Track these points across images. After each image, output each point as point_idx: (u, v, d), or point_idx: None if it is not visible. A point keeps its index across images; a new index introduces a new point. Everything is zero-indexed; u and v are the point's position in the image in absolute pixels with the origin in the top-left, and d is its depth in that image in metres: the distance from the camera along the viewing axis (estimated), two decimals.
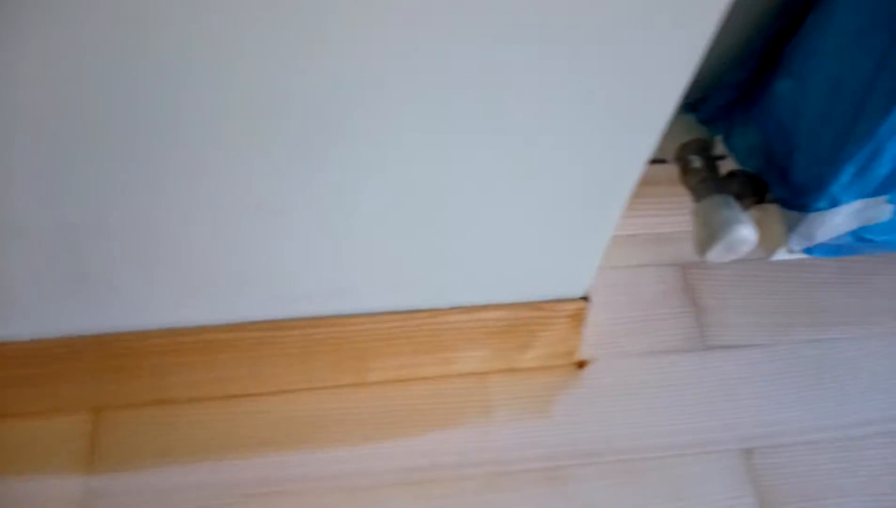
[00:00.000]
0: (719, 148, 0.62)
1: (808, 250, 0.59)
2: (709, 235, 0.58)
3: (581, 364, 0.71)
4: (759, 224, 0.61)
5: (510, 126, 0.45)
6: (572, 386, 0.70)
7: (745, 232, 0.57)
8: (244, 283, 0.53)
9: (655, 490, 0.65)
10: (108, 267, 0.50)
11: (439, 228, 0.53)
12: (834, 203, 0.54)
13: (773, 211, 0.59)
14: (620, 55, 0.41)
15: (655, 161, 0.66)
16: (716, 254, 0.58)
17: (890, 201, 0.55)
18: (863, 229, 0.57)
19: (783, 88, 0.55)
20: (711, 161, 0.61)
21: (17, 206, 0.44)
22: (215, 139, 0.41)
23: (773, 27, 0.55)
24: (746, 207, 0.60)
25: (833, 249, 0.60)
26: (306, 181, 0.45)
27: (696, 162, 0.60)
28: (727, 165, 0.62)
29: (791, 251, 0.60)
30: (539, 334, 0.66)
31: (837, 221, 0.56)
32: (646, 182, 0.72)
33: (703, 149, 0.61)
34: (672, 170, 0.65)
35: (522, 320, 0.64)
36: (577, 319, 0.66)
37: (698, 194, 0.60)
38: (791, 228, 0.57)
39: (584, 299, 0.64)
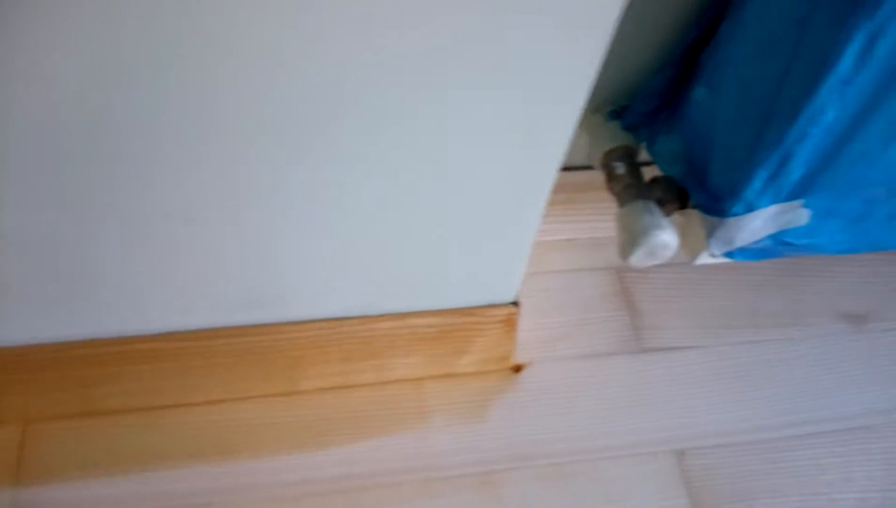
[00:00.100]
0: (644, 155, 0.63)
1: (729, 254, 0.60)
2: (630, 240, 0.58)
3: (517, 368, 0.71)
4: (683, 229, 0.62)
5: (423, 141, 0.45)
6: (508, 390, 0.70)
7: (666, 237, 0.58)
8: (162, 293, 0.53)
9: (588, 492, 0.66)
10: (24, 279, 0.50)
11: (360, 238, 0.53)
12: (750, 208, 0.55)
13: (694, 216, 0.60)
14: (522, 69, 0.42)
15: (584, 168, 0.67)
16: (637, 259, 0.59)
17: (805, 206, 0.56)
18: (782, 232, 0.58)
19: (699, 96, 0.56)
20: (636, 168, 0.62)
21: None
22: (122, 147, 0.41)
23: (690, 35, 0.56)
24: (669, 212, 0.61)
25: (755, 253, 0.60)
26: (216, 191, 0.45)
27: (620, 169, 0.61)
28: (652, 172, 0.62)
29: (713, 256, 0.61)
30: (473, 339, 0.67)
31: (756, 225, 0.57)
32: (582, 188, 0.73)
33: (628, 155, 0.62)
34: None
35: (454, 326, 0.64)
36: (510, 324, 0.66)
37: (622, 199, 0.60)
38: (711, 233, 0.58)
39: (515, 304, 0.65)
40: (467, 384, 0.70)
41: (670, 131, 0.60)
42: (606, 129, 0.62)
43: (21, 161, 0.41)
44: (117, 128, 0.40)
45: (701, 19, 0.55)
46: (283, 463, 0.64)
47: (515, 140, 0.47)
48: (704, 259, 0.61)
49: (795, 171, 0.52)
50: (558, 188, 0.72)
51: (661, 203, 0.60)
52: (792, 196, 0.54)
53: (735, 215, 0.56)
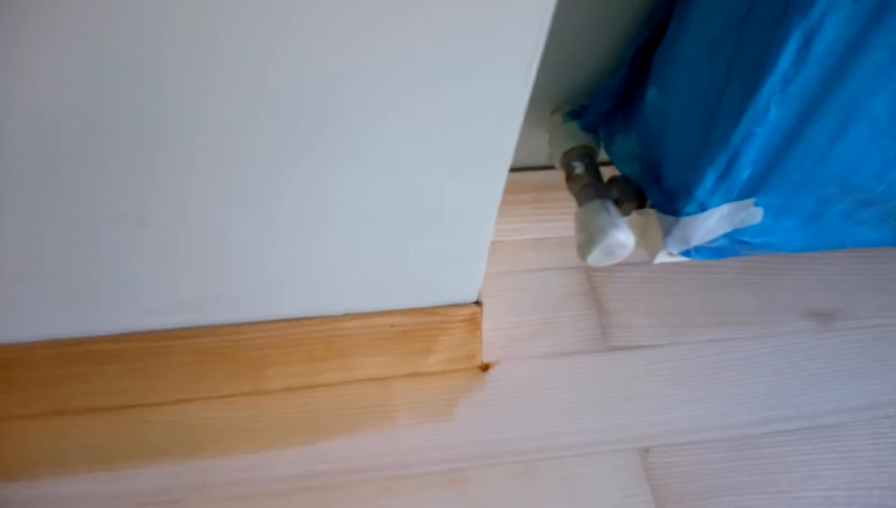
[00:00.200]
0: (604, 154, 0.64)
1: (686, 253, 0.60)
2: (587, 239, 0.59)
3: (485, 367, 0.72)
4: (642, 228, 0.63)
5: (371, 142, 0.46)
6: (475, 389, 0.71)
7: (622, 236, 0.59)
8: (122, 294, 0.54)
9: (552, 488, 0.67)
10: None
11: (317, 239, 0.54)
12: (702, 207, 0.56)
13: (652, 215, 0.61)
14: (462, 69, 0.42)
15: (550, 168, 0.68)
16: (594, 258, 0.60)
17: (757, 204, 0.56)
18: (738, 231, 0.59)
19: (651, 96, 0.56)
20: (594, 167, 0.62)
21: None
22: (70, 150, 0.42)
23: (642, 35, 0.57)
24: (627, 212, 0.61)
25: (712, 251, 0.61)
26: (168, 194, 0.46)
27: (579, 168, 0.61)
28: (612, 172, 0.63)
29: (671, 255, 0.61)
30: (438, 338, 0.67)
31: (710, 224, 0.57)
32: (548, 187, 0.74)
33: (587, 155, 0.62)
34: None
35: (418, 325, 0.65)
36: (474, 323, 0.67)
37: (580, 199, 0.61)
38: (667, 232, 0.59)
39: (478, 303, 0.65)
40: (434, 383, 0.70)
41: (627, 131, 0.61)
42: (566, 129, 0.63)
43: None
44: (70, 131, 0.41)
45: (652, 19, 0.56)
46: (248, 462, 0.65)
47: (462, 140, 0.47)
48: (663, 258, 0.62)
49: (744, 170, 0.52)
50: (525, 188, 0.73)
51: (618, 203, 0.61)
52: (743, 195, 0.55)
53: (689, 214, 0.56)
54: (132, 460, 0.63)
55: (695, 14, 0.50)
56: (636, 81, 0.59)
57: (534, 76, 0.43)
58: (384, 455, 0.67)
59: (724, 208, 0.56)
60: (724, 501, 0.68)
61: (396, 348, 0.66)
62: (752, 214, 0.57)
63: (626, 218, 0.62)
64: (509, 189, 0.71)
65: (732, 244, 0.60)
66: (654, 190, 0.59)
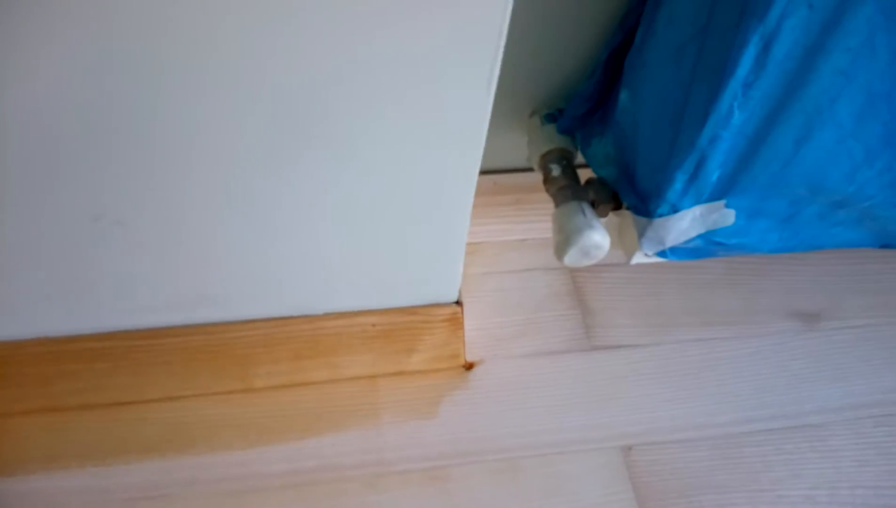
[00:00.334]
0: (582, 157, 0.65)
1: (662, 254, 0.61)
2: (563, 240, 0.60)
3: (469, 366, 0.73)
4: (619, 230, 0.64)
5: (351, 148, 0.48)
6: (459, 388, 0.72)
7: (597, 238, 0.60)
8: (110, 293, 0.56)
9: (534, 486, 0.68)
10: None
11: (298, 239, 0.55)
12: (674, 209, 0.57)
13: (628, 217, 0.62)
14: (429, 85, 0.44)
15: (530, 170, 0.69)
16: (571, 258, 0.61)
17: (729, 206, 0.57)
18: (712, 232, 0.60)
19: (623, 100, 0.57)
20: (571, 169, 0.63)
21: None
22: (65, 150, 0.44)
23: (615, 40, 0.58)
24: (603, 213, 0.62)
25: (687, 252, 0.62)
26: (143, 193, 0.48)
27: (556, 170, 0.63)
28: (590, 174, 0.64)
29: (647, 255, 0.62)
30: (421, 337, 0.69)
31: (683, 225, 0.58)
32: (530, 189, 0.75)
33: (564, 158, 0.63)
34: None
35: (400, 324, 0.66)
36: (455, 323, 0.68)
37: (556, 201, 0.62)
38: (642, 233, 0.60)
39: (458, 303, 0.67)
40: (419, 382, 0.72)
41: (603, 134, 0.62)
42: (543, 132, 0.64)
43: None
44: (67, 130, 0.43)
45: (623, 25, 0.57)
46: (236, 458, 0.66)
47: (433, 146, 0.49)
48: (639, 259, 0.63)
49: (712, 172, 0.53)
50: (508, 190, 0.74)
51: (595, 204, 0.62)
52: (713, 197, 0.56)
53: (661, 215, 0.57)
54: (123, 456, 0.65)
55: (661, 21, 0.52)
56: (610, 84, 0.60)
57: (495, 86, 0.45)
58: (369, 452, 0.68)
59: (696, 210, 0.57)
60: (705, 499, 0.68)
61: (380, 347, 0.68)
62: (724, 215, 0.58)
63: (603, 219, 0.63)
64: (492, 191, 0.73)
65: (708, 245, 0.61)
66: (628, 192, 0.60)
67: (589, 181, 0.63)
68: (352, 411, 0.70)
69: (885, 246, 0.66)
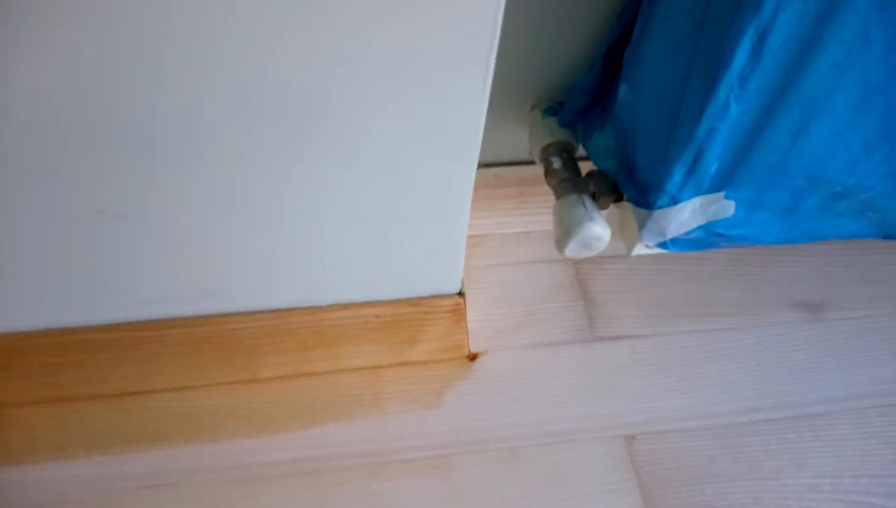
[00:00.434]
0: (583, 149, 0.65)
1: (663, 245, 0.62)
2: (563, 232, 0.60)
3: (473, 357, 0.74)
4: (620, 221, 0.64)
5: (354, 144, 0.49)
6: (463, 378, 0.73)
7: (598, 230, 0.60)
8: (115, 285, 0.57)
9: (537, 474, 0.68)
10: None
11: (301, 233, 0.56)
12: (674, 201, 0.57)
13: (629, 209, 0.62)
14: (428, 81, 0.45)
15: (529, 163, 0.70)
16: (571, 250, 0.61)
17: (728, 197, 0.57)
18: (712, 223, 0.60)
19: (622, 93, 0.58)
20: (572, 162, 0.64)
21: None
22: (67, 147, 0.45)
23: (614, 34, 0.58)
24: (604, 205, 0.63)
25: (688, 243, 0.62)
26: (145, 189, 0.49)
27: (557, 163, 0.63)
28: (591, 166, 0.64)
29: (648, 247, 0.62)
30: (424, 329, 0.69)
31: (683, 217, 0.59)
32: (533, 182, 0.75)
33: (565, 151, 0.64)
34: None
35: (403, 315, 0.67)
36: (458, 314, 0.69)
37: (557, 193, 0.62)
38: (642, 225, 0.60)
39: (461, 294, 0.67)
40: (423, 373, 0.72)
41: (604, 127, 0.62)
42: (544, 125, 0.64)
43: None
44: (68, 128, 0.44)
45: (622, 18, 0.57)
46: (241, 447, 0.67)
47: (433, 141, 0.50)
48: (640, 250, 0.63)
49: (710, 164, 0.54)
50: (510, 182, 0.75)
51: (596, 196, 0.62)
52: (712, 189, 0.56)
53: (661, 207, 0.58)
54: (130, 445, 0.66)
55: (658, 15, 0.52)
56: (610, 78, 0.61)
57: (491, 81, 0.45)
58: (373, 441, 0.69)
59: (696, 201, 0.57)
60: (707, 488, 0.69)
61: (384, 338, 0.69)
62: (724, 207, 0.58)
63: (604, 211, 0.63)
64: (495, 184, 0.74)
65: (709, 236, 0.61)
66: (628, 184, 0.60)
67: (590, 174, 0.63)
68: (356, 401, 0.71)
69: (887, 237, 0.66)
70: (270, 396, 0.70)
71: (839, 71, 0.47)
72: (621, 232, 0.64)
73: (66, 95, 0.42)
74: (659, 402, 0.73)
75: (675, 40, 0.51)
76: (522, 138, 0.68)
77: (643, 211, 0.59)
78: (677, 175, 0.55)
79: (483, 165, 0.73)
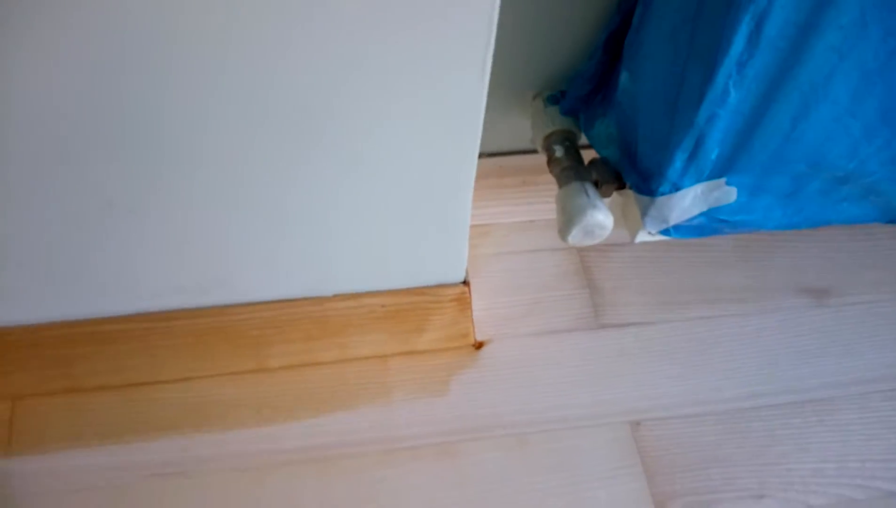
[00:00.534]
0: (585, 138, 0.65)
1: (665, 232, 0.62)
2: (566, 220, 0.61)
3: (478, 345, 0.74)
4: (623, 209, 0.64)
5: (359, 140, 0.49)
6: (469, 366, 0.73)
7: (600, 217, 0.60)
8: (125, 278, 0.58)
9: (543, 460, 0.69)
10: None
11: (305, 224, 0.57)
12: (675, 187, 0.57)
13: (631, 196, 0.62)
14: (428, 79, 0.45)
15: (532, 152, 0.70)
16: (574, 238, 0.62)
17: (730, 183, 0.58)
18: (715, 210, 0.60)
19: (623, 80, 0.58)
20: (575, 150, 0.64)
21: None
22: (74, 142, 0.46)
23: (614, 21, 0.58)
24: (607, 193, 0.63)
25: (691, 229, 0.62)
26: (153, 184, 0.49)
27: (559, 152, 0.63)
28: (594, 154, 0.65)
29: (651, 234, 0.63)
30: (430, 317, 0.70)
31: (685, 203, 0.59)
32: (537, 171, 0.76)
33: (567, 139, 0.64)
34: None
35: (408, 304, 0.68)
36: (463, 302, 0.69)
37: (560, 181, 0.63)
38: (645, 212, 0.60)
39: (465, 283, 0.68)
40: (429, 361, 0.73)
41: (606, 115, 0.62)
42: (546, 113, 0.65)
43: None
44: (77, 124, 0.44)
45: (622, 5, 0.57)
46: (251, 435, 0.68)
47: (434, 134, 0.50)
48: (643, 237, 0.64)
49: (711, 150, 0.54)
50: (514, 172, 0.75)
51: (598, 184, 0.62)
52: (714, 175, 0.56)
53: (663, 194, 0.58)
54: (141, 434, 0.67)
55: (657, 1, 0.52)
56: (611, 65, 0.61)
57: (489, 75, 0.45)
58: (381, 428, 0.70)
59: (698, 188, 0.58)
60: (712, 473, 0.69)
61: (390, 327, 0.69)
62: (726, 193, 0.58)
63: (608, 199, 0.64)
64: (498, 173, 0.74)
65: (711, 223, 0.62)
66: (630, 171, 0.60)
67: (592, 162, 0.63)
68: (363, 389, 0.71)
69: (891, 221, 0.66)
70: (277, 385, 0.71)
71: (837, 56, 0.47)
72: (624, 220, 0.65)
73: (75, 95, 0.42)
74: (664, 388, 0.73)
75: (673, 27, 0.51)
76: (525, 128, 0.68)
77: (645, 198, 0.60)
78: (678, 162, 0.55)
79: (486, 154, 0.73)
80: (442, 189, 0.55)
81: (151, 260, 0.56)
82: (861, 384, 0.74)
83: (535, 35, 0.61)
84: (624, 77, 0.58)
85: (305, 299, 0.65)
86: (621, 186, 0.63)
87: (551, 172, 0.65)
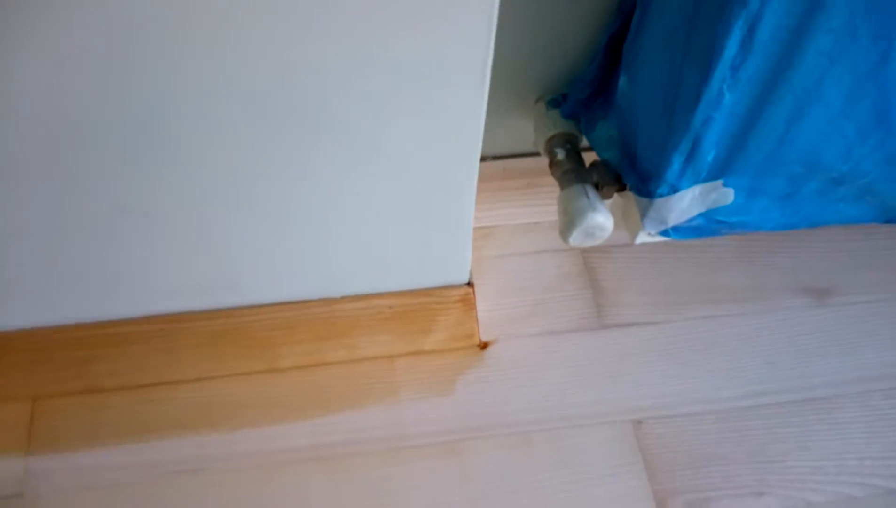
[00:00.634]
0: (586, 140, 0.67)
1: (665, 233, 0.63)
2: (567, 222, 0.62)
3: (483, 345, 0.76)
4: (623, 210, 0.66)
5: (364, 144, 0.51)
6: (474, 366, 0.75)
7: (600, 219, 0.62)
8: (142, 281, 0.60)
9: (547, 458, 0.70)
10: (20, 273, 0.57)
11: (314, 229, 0.59)
12: (673, 189, 0.58)
13: (631, 198, 0.64)
14: (432, 84, 0.47)
15: (536, 154, 0.72)
16: (575, 239, 0.63)
17: (727, 185, 0.59)
18: (713, 211, 0.61)
19: (622, 84, 0.59)
20: (576, 153, 0.66)
21: None
22: (78, 151, 0.48)
23: (613, 26, 0.60)
24: (608, 195, 0.64)
25: (690, 230, 0.64)
26: (164, 188, 0.51)
27: (560, 154, 0.65)
28: (594, 157, 0.66)
29: (650, 235, 0.64)
30: (435, 318, 0.72)
31: (684, 205, 0.60)
32: (540, 173, 0.77)
33: (568, 142, 0.65)
34: None
35: (415, 306, 0.70)
36: (468, 303, 0.71)
37: (561, 184, 0.64)
38: (644, 213, 0.62)
39: (469, 285, 0.69)
40: (435, 361, 0.75)
41: (606, 118, 0.64)
42: (548, 117, 0.66)
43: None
44: (84, 129, 0.46)
45: (621, 10, 0.59)
46: (264, 434, 0.70)
47: (437, 139, 0.52)
48: (643, 238, 0.65)
49: (707, 153, 0.55)
50: (518, 174, 0.77)
51: (599, 186, 0.64)
52: (711, 177, 0.58)
53: (661, 195, 0.59)
54: (158, 433, 0.69)
55: (653, 8, 0.53)
56: (611, 69, 0.62)
57: (489, 81, 0.47)
58: (388, 427, 0.71)
59: (696, 190, 0.59)
60: (713, 470, 0.71)
61: (397, 327, 0.71)
62: (723, 194, 0.60)
63: (608, 201, 0.65)
64: (502, 176, 0.76)
65: (710, 224, 0.63)
66: (629, 173, 0.62)
67: (593, 164, 0.65)
68: (371, 389, 0.73)
69: (889, 221, 0.67)
70: (288, 385, 0.72)
71: (828, 60, 0.48)
72: (625, 221, 0.66)
73: (77, 96, 0.44)
74: (666, 387, 0.74)
75: (669, 32, 0.52)
76: (528, 131, 0.70)
77: (644, 200, 0.61)
78: (676, 164, 0.56)
79: (490, 157, 0.75)
80: (444, 191, 0.57)
81: (167, 263, 0.58)
82: (860, 383, 0.75)
83: (536, 40, 0.63)
84: (623, 81, 0.59)
85: (314, 300, 0.66)
86: (622, 188, 0.64)
87: (553, 174, 0.66)
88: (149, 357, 0.68)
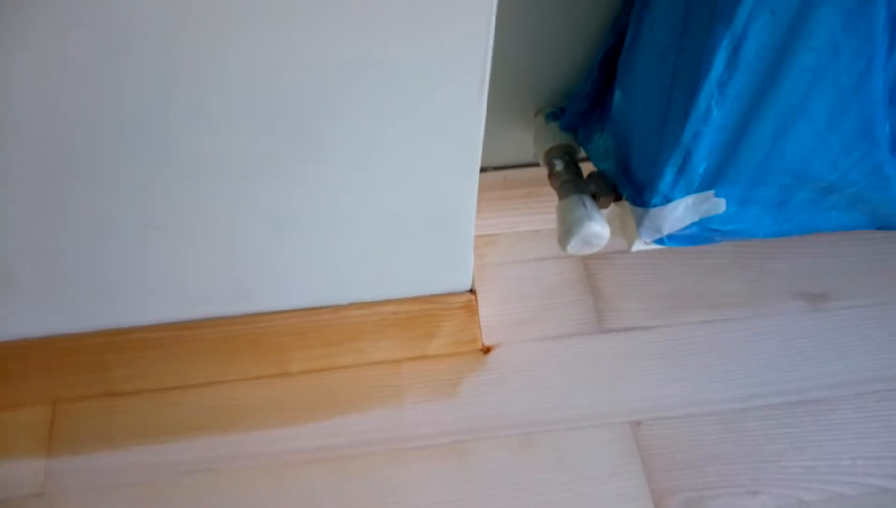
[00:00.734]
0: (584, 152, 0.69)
1: (660, 241, 0.66)
2: (565, 231, 0.65)
3: (486, 350, 0.78)
4: (620, 219, 0.68)
5: (358, 157, 0.53)
6: (477, 370, 0.77)
7: (597, 228, 0.64)
8: (155, 288, 0.63)
9: (547, 459, 0.72)
10: (36, 280, 0.60)
11: (322, 239, 0.61)
12: (667, 199, 0.61)
13: (627, 208, 0.66)
14: (432, 97, 0.49)
15: (535, 165, 0.74)
16: (573, 248, 0.65)
17: (718, 195, 0.61)
18: (706, 220, 0.63)
19: (617, 99, 0.62)
20: (574, 164, 0.68)
21: None
22: (92, 160, 0.50)
23: (608, 42, 0.62)
24: (605, 205, 0.67)
25: (685, 239, 0.66)
26: (177, 203, 0.54)
27: (559, 165, 0.67)
28: (592, 168, 0.69)
29: (646, 243, 0.66)
30: (439, 324, 0.74)
31: (677, 214, 0.62)
32: (541, 183, 0.79)
33: (566, 153, 0.68)
34: None
35: (419, 312, 0.72)
36: (470, 309, 0.73)
37: (560, 194, 0.67)
38: (639, 222, 0.64)
39: (472, 291, 0.72)
40: (439, 365, 0.77)
41: (603, 130, 0.66)
42: (547, 129, 0.69)
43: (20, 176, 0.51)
44: (91, 141, 0.49)
45: (616, 26, 0.61)
46: (274, 435, 0.73)
47: (438, 149, 0.54)
48: (639, 246, 0.67)
49: (698, 165, 0.57)
50: (519, 184, 0.79)
51: (596, 196, 0.66)
52: (702, 187, 0.60)
53: (655, 205, 0.61)
54: (172, 435, 0.72)
55: (645, 27, 0.56)
56: (607, 84, 0.65)
57: (486, 93, 0.49)
58: (393, 429, 0.74)
59: (688, 200, 0.61)
60: (709, 470, 0.72)
61: (402, 333, 0.74)
62: (715, 204, 0.62)
63: (605, 211, 0.67)
64: (504, 185, 0.78)
65: (704, 232, 0.65)
66: (625, 184, 0.64)
67: (591, 175, 0.67)
68: (377, 392, 0.75)
69: (881, 228, 0.69)
70: (298, 388, 0.75)
71: (811, 76, 0.51)
72: (622, 230, 0.68)
73: (77, 96, 0.45)
74: (664, 390, 0.76)
75: (660, 50, 0.55)
76: (528, 142, 0.72)
77: (640, 210, 0.63)
78: (668, 176, 0.59)
79: (492, 168, 0.77)
80: (447, 203, 0.59)
81: (184, 273, 0.61)
82: (854, 386, 0.76)
83: (535, 56, 0.65)
84: (618, 95, 0.62)
85: (324, 307, 0.69)
86: (618, 197, 0.67)
87: (552, 184, 0.68)
88: (164, 362, 0.71)
